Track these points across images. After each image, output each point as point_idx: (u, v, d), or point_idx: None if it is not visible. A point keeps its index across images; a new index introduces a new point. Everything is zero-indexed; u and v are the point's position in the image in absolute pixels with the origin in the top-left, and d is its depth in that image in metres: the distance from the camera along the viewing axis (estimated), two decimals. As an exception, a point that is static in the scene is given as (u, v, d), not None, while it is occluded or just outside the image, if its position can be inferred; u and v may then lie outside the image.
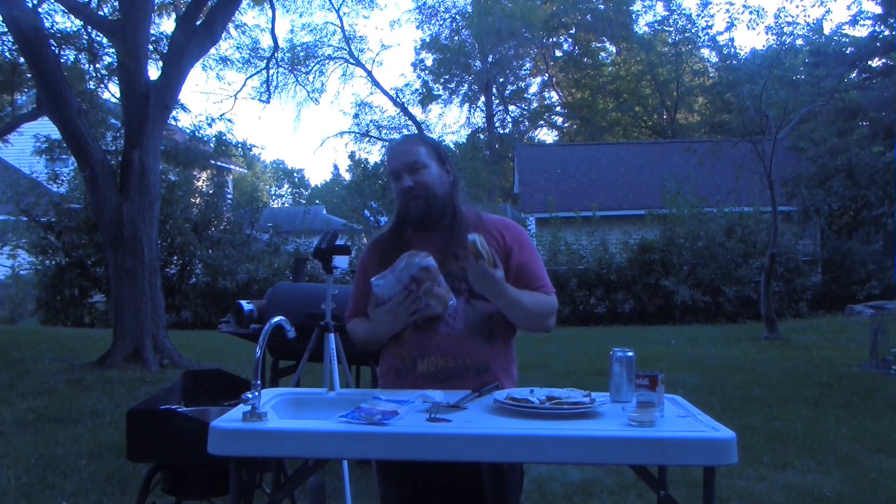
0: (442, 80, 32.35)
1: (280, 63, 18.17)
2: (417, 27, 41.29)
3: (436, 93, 32.44)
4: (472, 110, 33.25)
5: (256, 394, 1.90)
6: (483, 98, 32.32)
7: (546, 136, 35.87)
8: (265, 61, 15.78)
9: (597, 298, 15.41)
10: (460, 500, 2.21)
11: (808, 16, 32.15)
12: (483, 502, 2.19)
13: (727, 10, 34.36)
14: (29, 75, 9.19)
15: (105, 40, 9.30)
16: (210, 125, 14.61)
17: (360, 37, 38.33)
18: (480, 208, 2.48)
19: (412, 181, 2.26)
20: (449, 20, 31.77)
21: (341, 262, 3.77)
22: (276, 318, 2.13)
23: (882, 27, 20.45)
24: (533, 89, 34.79)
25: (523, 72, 33.90)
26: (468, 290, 2.25)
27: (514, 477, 2.27)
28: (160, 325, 8.24)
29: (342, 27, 28.39)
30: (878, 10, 20.39)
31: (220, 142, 14.53)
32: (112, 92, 11.06)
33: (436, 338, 2.22)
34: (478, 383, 2.18)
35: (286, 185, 56.24)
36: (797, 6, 39.70)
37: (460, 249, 2.25)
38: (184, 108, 14.06)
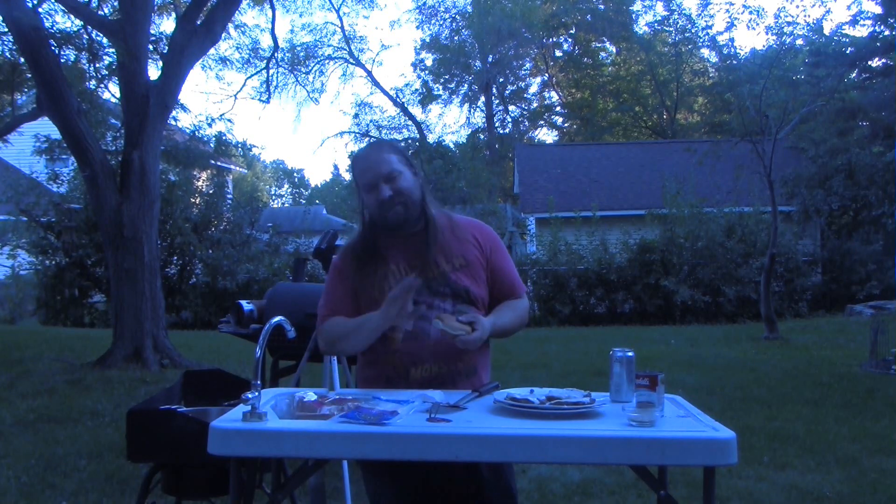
0: (442, 80, 32.36)
1: (280, 63, 18.19)
2: (417, 27, 41.34)
3: (436, 93, 32.45)
4: (472, 110, 33.29)
5: (256, 394, 1.90)
6: (483, 98, 32.33)
7: (546, 136, 35.93)
8: (265, 61, 15.79)
9: (597, 298, 15.41)
10: (460, 491, 2.22)
11: (808, 16, 32.15)
12: (482, 491, 2.22)
13: (727, 10, 34.29)
14: (29, 75, 9.19)
15: (105, 40, 9.30)
16: (210, 125, 14.65)
17: (360, 37, 38.29)
18: (447, 208, 2.49)
19: (391, 190, 2.25)
20: (449, 20, 31.80)
21: (341, 262, 3.76)
22: (276, 318, 2.13)
23: (882, 27, 20.45)
24: (533, 89, 34.85)
25: (523, 72, 33.92)
26: (452, 295, 2.26)
27: (510, 470, 2.33)
28: (160, 326, 8.24)
29: (342, 27, 28.44)
30: (878, 10, 20.41)
31: (220, 142, 14.55)
32: (112, 92, 11.08)
33: (429, 345, 2.23)
34: (467, 386, 2.20)
35: (286, 185, 56.22)
36: (797, 6, 39.62)
37: (439, 255, 2.27)
38: (184, 108, 14.09)
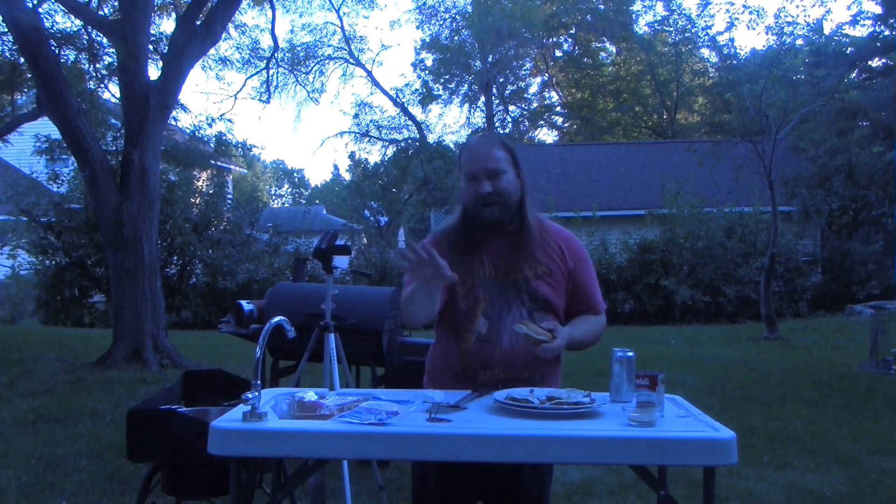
0: (442, 80, 32.29)
1: (280, 63, 18.11)
2: (417, 27, 41.23)
3: (436, 93, 32.37)
4: (472, 110, 33.21)
5: (256, 394, 1.90)
6: (483, 98, 32.27)
7: (546, 136, 35.88)
8: (265, 61, 15.72)
9: (597, 298, 15.39)
10: (496, 494, 2.25)
11: (808, 16, 32.16)
12: (519, 497, 2.24)
13: (727, 10, 34.32)
14: (29, 75, 9.18)
15: (105, 40, 9.29)
16: (210, 125, 14.60)
17: (360, 37, 38.17)
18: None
19: (491, 187, 2.25)
20: (449, 20, 31.73)
21: (341, 262, 3.77)
22: (276, 318, 2.13)
23: (882, 27, 20.46)
24: (533, 89, 34.77)
25: (523, 72, 33.86)
26: (531, 301, 2.28)
27: (550, 470, 2.36)
28: (160, 326, 8.24)
29: (342, 27, 28.36)
30: (878, 10, 20.42)
31: (220, 142, 14.52)
32: (112, 92, 11.06)
33: (499, 350, 2.25)
34: None
35: (286, 185, 56.26)
36: (797, 6, 39.65)
37: (524, 261, 2.28)
38: (184, 108, 14.05)
